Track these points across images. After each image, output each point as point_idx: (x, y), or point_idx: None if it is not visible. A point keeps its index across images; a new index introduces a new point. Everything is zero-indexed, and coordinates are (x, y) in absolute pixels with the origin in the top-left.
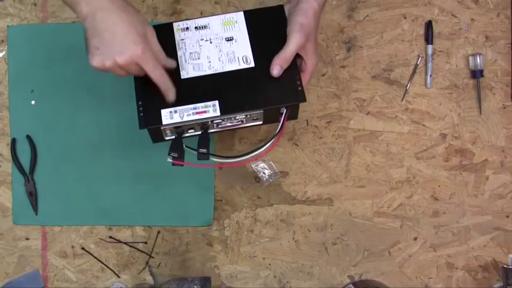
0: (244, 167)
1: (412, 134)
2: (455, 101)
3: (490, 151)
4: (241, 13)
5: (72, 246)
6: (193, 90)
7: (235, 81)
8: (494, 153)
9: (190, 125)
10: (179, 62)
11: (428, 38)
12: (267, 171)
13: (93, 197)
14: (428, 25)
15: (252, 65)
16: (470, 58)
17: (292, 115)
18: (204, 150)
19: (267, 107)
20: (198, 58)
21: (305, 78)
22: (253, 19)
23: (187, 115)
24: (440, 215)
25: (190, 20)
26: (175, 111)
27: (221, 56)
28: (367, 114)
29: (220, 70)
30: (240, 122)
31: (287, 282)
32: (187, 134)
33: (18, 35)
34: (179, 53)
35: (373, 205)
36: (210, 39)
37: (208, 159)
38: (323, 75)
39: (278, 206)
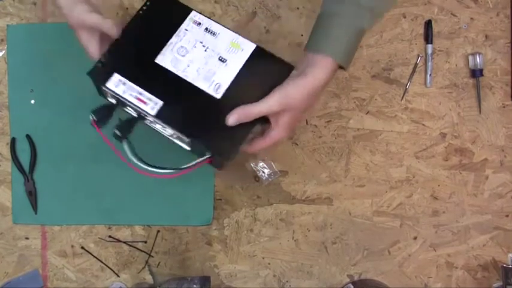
0: (243, 166)
1: (412, 134)
2: (455, 100)
3: (490, 150)
4: (254, 46)
5: (72, 246)
6: (153, 77)
7: (191, 99)
8: (493, 153)
9: (128, 104)
10: (165, 47)
11: (428, 37)
12: (266, 171)
13: (92, 196)
14: (428, 24)
15: (218, 96)
16: (470, 57)
17: (216, 165)
18: (118, 133)
19: (194, 140)
20: (182, 56)
21: (260, 144)
22: (258, 58)
23: (130, 94)
24: (440, 215)
25: (208, 20)
26: (124, 84)
27: (202, 68)
28: (366, 113)
29: (189, 80)
30: (170, 135)
31: (287, 281)
32: (125, 110)
33: (18, 34)
34: (172, 39)
35: (372, 204)
36: (207, 48)
37: (120, 142)
38: None
39: (278, 206)
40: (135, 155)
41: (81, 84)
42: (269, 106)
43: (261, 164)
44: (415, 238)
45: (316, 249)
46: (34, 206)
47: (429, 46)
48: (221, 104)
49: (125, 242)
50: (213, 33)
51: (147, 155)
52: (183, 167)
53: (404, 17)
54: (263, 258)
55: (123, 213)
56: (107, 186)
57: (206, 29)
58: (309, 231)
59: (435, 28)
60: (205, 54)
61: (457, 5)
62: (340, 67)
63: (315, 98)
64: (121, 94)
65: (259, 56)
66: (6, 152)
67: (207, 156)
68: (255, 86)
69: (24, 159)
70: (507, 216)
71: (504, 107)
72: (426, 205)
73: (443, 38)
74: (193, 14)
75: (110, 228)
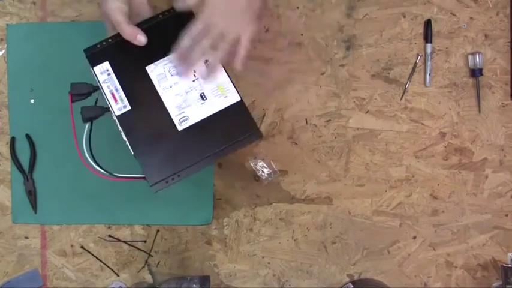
0: (243, 165)
1: (411, 133)
2: (455, 100)
3: (489, 150)
4: (238, 98)
5: (72, 245)
6: (135, 82)
7: (155, 119)
8: (493, 152)
9: (102, 94)
10: (161, 60)
11: (428, 36)
12: (266, 170)
13: (92, 195)
14: (428, 24)
15: (179, 128)
16: (470, 57)
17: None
18: (81, 112)
19: (136, 156)
20: (171, 75)
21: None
22: (235, 112)
23: (107, 86)
24: (440, 214)
25: None
26: (109, 74)
27: (180, 95)
28: (366, 113)
29: (163, 100)
30: (124, 139)
31: (286, 281)
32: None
33: (17, 34)
34: (171, 56)
35: (372, 204)
36: (196, 79)
37: (83, 122)
38: (322, 74)
39: (277, 205)
40: (89, 143)
41: None
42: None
43: (260, 163)
44: (414, 237)
45: (315, 248)
46: (34, 206)
47: (429, 45)
48: (178, 137)
49: (124, 242)
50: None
51: (105, 151)
52: (118, 175)
53: (404, 17)
54: (263, 257)
55: (123, 212)
56: (106, 185)
57: (207, 61)
58: (308, 230)
59: (435, 27)
60: (191, 84)
61: (457, 5)
62: None
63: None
64: (101, 82)
65: (237, 109)
66: (6, 151)
67: (141, 175)
68: (216, 136)
69: (24, 158)
70: (507, 215)
71: (504, 106)
72: (426, 204)
73: (443, 38)
74: None
75: (109, 227)
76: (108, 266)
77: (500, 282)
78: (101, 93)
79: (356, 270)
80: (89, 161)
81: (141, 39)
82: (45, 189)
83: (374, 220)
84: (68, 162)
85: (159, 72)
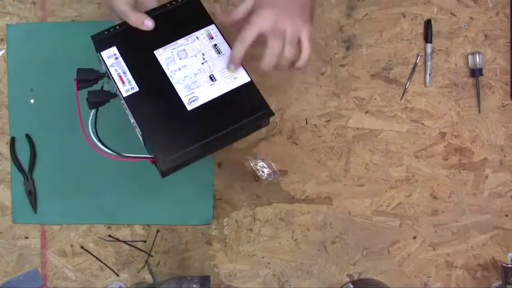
0: (243, 165)
1: (411, 133)
2: (455, 100)
3: (489, 150)
4: (248, 79)
5: (72, 245)
6: (144, 65)
7: (164, 99)
8: (493, 152)
9: (109, 77)
10: (169, 44)
11: (428, 36)
12: (266, 170)
13: (92, 195)
14: (428, 24)
15: (189, 108)
16: (470, 57)
17: (158, 169)
18: (88, 97)
19: (144, 137)
20: (180, 58)
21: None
22: (245, 92)
23: (115, 70)
24: (440, 214)
25: (222, 38)
26: (116, 58)
27: (189, 77)
28: (366, 113)
29: (172, 81)
30: (132, 122)
31: (286, 281)
32: (111, 84)
33: (17, 34)
34: (180, 41)
35: (372, 204)
36: (205, 62)
37: (89, 108)
38: (322, 74)
39: (277, 205)
40: (94, 126)
41: None
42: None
43: (260, 163)
44: (414, 237)
45: (315, 248)
46: (34, 206)
47: (429, 45)
48: (188, 117)
49: (124, 242)
50: (219, 52)
51: (111, 134)
52: (126, 154)
53: (404, 17)
54: (263, 257)
55: (123, 212)
56: (106, 185)
57: (215, 45)
58: (308, 230)
59: (435, 27)
60: (200, 67)
61: (457, 5)
62: None
63: None
64: (108, 65)
65: (247, 90)
66: (6, 151)
67: (150, 156)
68: (227, 115)
69: (24, 158)
70: (507, 215)
71: (504, 106)
72: (426, 204)
73: (443, 38)
74: (212, 26)
75: (109, 227)
76: (108, 266)
77: (500, 282)
78: (107, 81)
79: (356, 270)
80: (96, 143)
81: (148, 24)
82: (45, 189)
83: (374, 220)
84: (68, 163)
85: (168, 56)
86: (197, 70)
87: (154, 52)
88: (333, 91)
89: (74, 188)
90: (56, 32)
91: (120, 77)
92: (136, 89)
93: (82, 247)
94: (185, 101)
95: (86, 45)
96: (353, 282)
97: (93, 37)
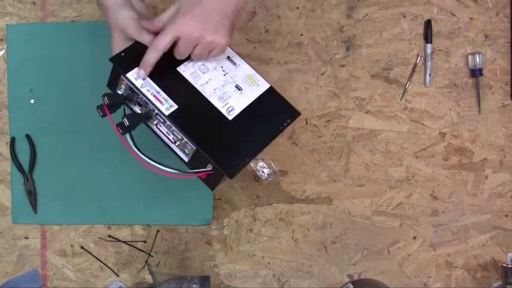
0: None
1: (411, 133)
2: (455, 100)
3: (489, 150)
4: (268, 85)
5: (72, 245)
6: (173, 82)
7: (204, 112)
8: (493, 152)
9: (139, 100)
10: (188, 61)
11: (428, 37)
12: (266, 170)
13: (92, 196)
14: (428, 24)
15: (230, 118)
16: (470, 57)
17: (211, 182)
18: (127, 122)
19: (201, 149)
20: (203, 73)
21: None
22: (270, 97)
23: (147, 90)
24: (440, 214)
25: (232, 51)
26: (144, 79)
27: (218, 89)
28: (366, 113)
29: (205, 95)
30: (172, 140)
31: (286, 281)
32: (132, 107)
33: (17, 34)
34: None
35: (372, 204)
36: (226, 73)
37: (124, 133)
38: (322, 74)
39: (277, 205)
40: (137, 149)
41: (81, 84)
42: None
43: (260, 163)
44: (414, 238)
45: (315, 248)
46: (34, 206)
47: (429, 46)
48: (232, 126)
49: (124, 242)
50: (234, 63)
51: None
52: (188, 171)
53: (404, 17)
54: (263, 257)
55: (123, 212)
56: (106, 186)
57: (228, 57)
58: (308, 230)
59: (435, 28)
60: (224, 78)
61: (457, 5)
62: None
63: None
64: (138, 86)
65: (271, 95)
66: (6, 151)
67: (208, 169)
68: (264, 120)
69: (24, 158)
70: (507, 215)
71: (504, 106)
72: (426, 205)
73: (443, 38)
74: None
75: (109, 227)
76: (108, 266)
77: (500, 283)
78: (128, 105)
79: (356, 270)
80: (155, 165)
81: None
82: (45, 189)
83: (374, 220)
84: (68, 163)
85: (191, 71)
86: (223, 82)
87: (178, 69)
88: (333, 91)
89: (74, 188)
90: (56, 32)
91: (155, 96)
92: (175, 106)
93: (82, 247)
94: (223, 112)
95: (86, 45)
96: (353, 283)
97: (112, 59)
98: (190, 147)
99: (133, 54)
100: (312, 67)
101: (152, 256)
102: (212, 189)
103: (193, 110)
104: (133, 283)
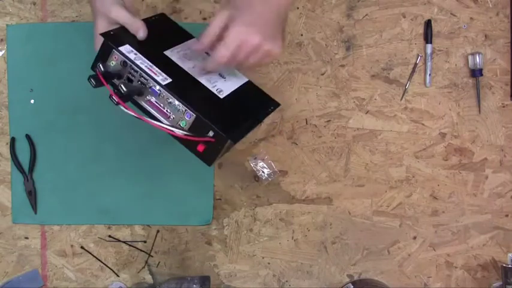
0: (243, 166)
1: (412, 133)
2: (455, 100)
3: (489, 150)
4: (247, 79)
5: (72, 245)
6: (163, 62)
7: (197, 90)
8: (493, 152)
9: (131, 75)
10: (172, 48)
11: (428, 37)
12: (266, 170)
13: (92, 196)
14: (428, 24)
15: (221, 96)
16: (470, 57)
17: (208, 155)
18: (123, 88)
19: (202, 116)
20: (188, 59)
21: (209, 64)
22: (251, 88)
23: (141, 63)
24: (440, 214)
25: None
26: (136, 54)
27: (204, 74)
28: (366, 113)
29: (194, 76)
30: (167, 113)
31: (286, 281)
32: (121, 85)
33: (17, 34)
34: (178, 47)
35: (372, 204)
36: None
37: (117, 104)
38: (322, 74)
39: (277, 205)
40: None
41: (81, 84)
42: (217, 19)
43: (260, 163)
44: (414, 238)
45: (315, 249)
46: (34, 206)
47: (429, 46)
48: (224, 103)
49: (124, 242)
50: None
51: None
52: (186, 133)
53: (404, 17)
54: (263, 257)
55: (123, 212)
56: (106, 186)
57: (207, 53)
58: (308, 231)
59: (435, 28)
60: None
61: (457, 5)
62: None
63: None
64: (132, 59)
65: (252, 86)
66: (6, 151)
67: (210, 135)
68: (252, 101)
69: (24, 158)
70: (507, 215)
71: (504, 106)
72: (426, 205)
73: (443, 38)
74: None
75: (109, 227)
76: (108, 266)
77: (500, 283)
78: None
79: (356, 270)
80: (163, 125)
81: (143, 34)
82: (45, 189)
83: (374, 220)
84: (68, 163)
85: (178, 57)
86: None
87: (164, 53)
88: (333, 91)
89: (74, 188)
90: (56, 32)
91: (150, 69)
92: (170, 79)
93: (82, 247)
94: (214, 91)
95: (86, 45)
96: (353, 283)
97: (104, 35)
98: (189, 116)
99: (122, 33)
100: (312, 67)
101: (152, 256)
102: (210, 164)
103: (186, 85)
104: (133, 283)
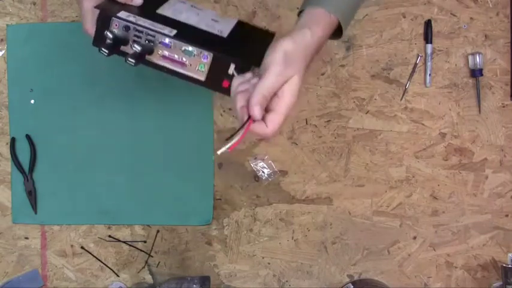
0: (243, 166)
1: (412, 133)
2: (455, 100)
3: (489, 150)
4: (237, 19)
5: (72, 245)
6: (160, 19)
7: (201, 34)
8: (493, 152)
9: (137, 37)
10: (162, 5)
11: (428, 37)
12: (266, 170)
13: (92, 196)
14: (428, 24)
15: (224, 36)
16: (470, 57)
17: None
18: (137, 48)
19: (217, 52)
20: (179, 13)
21: (275, 119)
22: (244, 26)
23: (143, 22)
24: (440, 214)
25: (190, 2)
26: (134, 17)
27: (199, 22)
28: (366, 113)
29: (192, 24)
30: (183, 62)
31: (286, 281)
32: (126, 50)
33: (17, 34)
34: (165, 5)
35: (372, 204)
36: (199, 13)
37: (135, 64)
38: (322, 74)
39: (277, 205)
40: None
41: (81, 84)
42: (276, 72)
43: (260, 163)
44: (414, 238)
45: (316, 249)
46: (34, 206)
47: (429, 46)
48: (229, 40)
49: (124, 242)
50: (200, 9)
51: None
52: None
53: (404, 17)
54: (263, 258)
55: (123, 213)
56: (106, 186)
57: (192, 5)
58: (308, 231)
59: (435, 28)
60: (198, 16)
61: (457, 5)
62: (338, 29)
63: (312, 53)
64: (133, 20)
65: (244, 24)
66: (6, 151)
67: (232, 67)
68: (252, 36)
69: (24, 158)
70: (507, 216)
71: (504, 106)
72: (426, 205)
73: (443, 38)
74: None
75: (109, 227)
76: (108, 266)
77: (501, 283)
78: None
79: (356, 270)
80: (182, 72)
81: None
82: (45, 189)
83: (374, 220)
84: (68, 163)
85: (169, 13)
86: (199, 18)
87: (157, 12)
88: (333, 91)
89: (74, 189)
90: (56, 32)
91: (153, 26)
92: (175, 31)
93: (82, 247)
94: (216, 33)
95: (86, 45)
96: (353, 283)
97: (98, 6)
98: (205, 58)
99: (111, 4)
100: (312, 67)
101: (152, 256)
102: (230, 94)
103: (191, 32)
104: (133, 283)
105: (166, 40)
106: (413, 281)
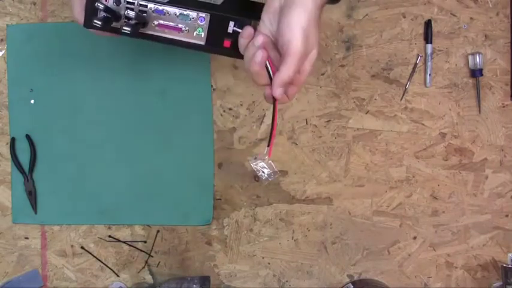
0: (243, 166)
1: (412, 133)
2: (455, 100)
3: (490, 150)
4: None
5: (72, 246)
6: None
7: (195, 2)
8: (493, 152)
9: (130, 8)
10: None
11: (428, 37)
12: (266, 170)
13: (92, 196)
14: (428, 24)
15: (218, 3)
16: (470, 57)
17: (234, 52)
18: (132, 15)
19: (215, 11)
20: None
21: (294, 90)
22: None
23: None
24: (440, 214)
25: None
26: None
27: None
28: (366, 113)
29: None
30: (180, 28)
31: (286, 281)
32: (118, 25)
33: (17, 34)
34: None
35: (372, 204)
36: None
37: (135, 34)
38: (322, 74)
39: (277, 205)
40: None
41: (81, 84)
42: (296, 55)
43: (260, 163)
44: (414, 238)
45: (316, 249)
46: (34, 206)
47: (429, 46)
48: (224, 7)
49: (124, 242)
50: None
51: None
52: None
53: (404, 17)
54: (263, 258)
55: (123, 213)
56: (106, 186)
57: None
58: (308, 231)
59: (435, 28)
60: None
61: (457, 5)
62: None
63: (319, 20)
64: None
65: None
66: (6, 151)
67: (231, 25)
68: (244, 3)
69: (24, 159)
70: (507, 216)
71: (504, 106)
72: (426, 205)
73: (443, 38)
74: None
75: (109, 228)
76: (108, 267)
77: (501, 283)
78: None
79: (356, 270)
80: (183, 40)
81: None
82: (45, 189)
83: (374, 220)
84: (68, 163)
85: None
86: None
87: None
88: (333, 91)
89: (74, 188)
90: (56, 32)
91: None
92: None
93: (82, 247)
94: (210, 1)
95: (86, 45)
96: (353, 283)
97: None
98: (202, 20)
99: None
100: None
101: (152, 256)
102: (237, 57)
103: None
104: (133, 283)
105: (161, 7)
106: (413, 281)
